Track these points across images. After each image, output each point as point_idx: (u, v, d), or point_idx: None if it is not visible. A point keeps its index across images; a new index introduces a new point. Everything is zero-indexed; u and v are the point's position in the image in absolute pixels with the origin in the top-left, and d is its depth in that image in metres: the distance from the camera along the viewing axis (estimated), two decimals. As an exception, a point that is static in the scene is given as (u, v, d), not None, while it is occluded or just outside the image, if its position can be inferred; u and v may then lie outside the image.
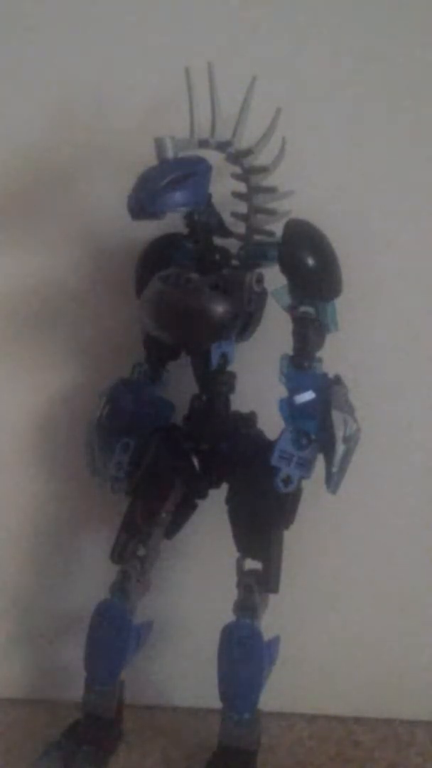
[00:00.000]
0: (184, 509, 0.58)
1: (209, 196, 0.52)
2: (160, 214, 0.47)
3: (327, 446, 0.51)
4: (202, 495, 0.58)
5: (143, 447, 0.57)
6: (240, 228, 0.54)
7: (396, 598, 0.65)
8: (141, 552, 0.58)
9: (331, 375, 0.53)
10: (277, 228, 0.53)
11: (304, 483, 0.53)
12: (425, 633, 0.66)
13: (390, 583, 0.65)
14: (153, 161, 0.49)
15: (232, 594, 0.56)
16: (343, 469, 0.52)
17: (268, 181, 0.52)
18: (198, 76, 0.49)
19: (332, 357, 0.54)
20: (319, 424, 0.52)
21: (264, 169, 0.51)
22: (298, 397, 0.53)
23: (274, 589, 0.55)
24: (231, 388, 0.56)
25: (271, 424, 0.54)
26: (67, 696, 0.66)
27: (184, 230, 0.54)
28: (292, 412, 0.53)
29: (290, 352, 0.53)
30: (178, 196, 0.47)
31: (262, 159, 0.51)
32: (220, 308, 0.50)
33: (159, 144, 0.48)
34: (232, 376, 0.56)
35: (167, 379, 0.60)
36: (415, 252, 0.60)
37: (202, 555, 0.65)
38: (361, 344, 0.60)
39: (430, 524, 0.64)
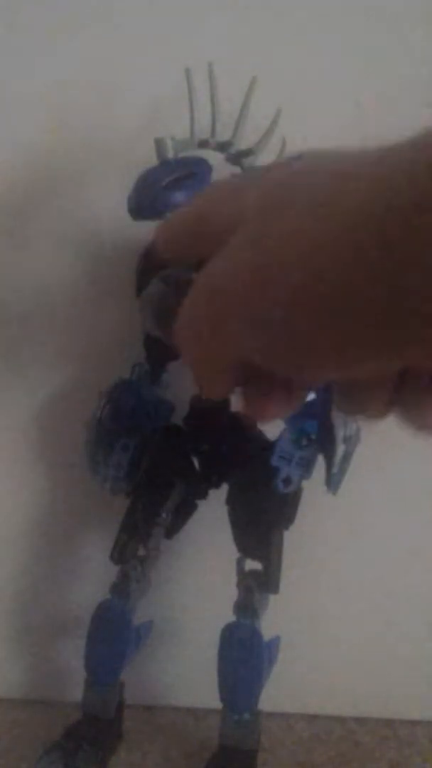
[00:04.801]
0: (184, 509, 0.59)
1: (209, 196, 0.52)
2: (161, 215, 0.47)
3: (327, 447, 0.51)
4: (202, 495, 0.58)
5: (143, 447, 0.57)
6: (240, 228, 0.54)
7: (396, 598, 0.66)
8: (141, 552, 0.58)
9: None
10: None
11: (304, 483, 0.53)
12: (425, 633, 0.66)
13: (390, 583, 0.65)
14: (153, 161, 0.49)
15: (232, 594, 0.56)
16: (343, 470, 0.52)
17: (269, 181, 0.52)
18: (198, 76, 0.49)
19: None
20: (319, 424, 0.52)
21: (264, 170, 0.51)
22: (298, 398, 0.53)
23: (274, 589, 0.55)
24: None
25: (272, 425, 0.54)
26: (67, 696, 0.66)
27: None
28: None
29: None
30: (179, 196, 0.47)
31: (262, 159, 0.51)
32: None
33: (159, 144, 0.48)
34: (233, 376, 0.56)
35: (167, 380, 0.60)
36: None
37: (202, 555, 0.65)
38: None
39: (430, 523, 0.64)
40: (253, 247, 0.20)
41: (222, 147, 0.50)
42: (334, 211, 0.17)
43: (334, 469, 0.51)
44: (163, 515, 0.57)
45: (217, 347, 0.22)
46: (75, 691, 0.59)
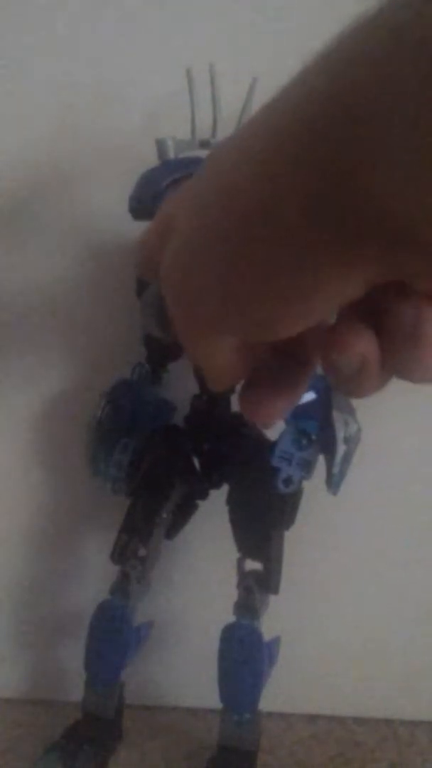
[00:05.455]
0: (185, 510, 0.59)
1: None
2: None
3: (327, 447, 0.51)
4: (203, 495, 0.58)
5: (144, 447, 0.57)
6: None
7: (396, 598, 0.66)
8: (141, 552, 0.58)
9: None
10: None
11: (305, 484, 0.53)
12: (425, 633, 0.66)
13: (390, 583, 0.65)
14: (154, 162, 0.49)
15: (232, 594, 0.56)
16: (343, 470, 0.52)
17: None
18: (199, 76, 0.49)
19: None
20: (319, 424, 0.52)
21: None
22: (298, 398, 0.53)
23: (275, 589, 0.55)
24: (232, 389, 0.56)
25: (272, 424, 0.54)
26: (67, 696, 0.66)
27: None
28: (292, 412, 0.53)
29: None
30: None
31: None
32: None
33: (160, 145, 0.48)
34: (233, 376, 0.56)
35: (168, 380, 0.60)
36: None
37: (203, 555, 0.65)
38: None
39: (430, 524, 0.64)
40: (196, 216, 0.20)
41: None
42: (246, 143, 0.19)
43: (335, 470, 0.51)
44: (164, 515, 0.57)
45: (202, 322, 0.22)
46: (75, 691, 0.59)
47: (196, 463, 0.57)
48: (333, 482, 0.51)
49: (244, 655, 0.54)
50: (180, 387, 0.59)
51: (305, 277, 0.18)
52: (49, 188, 0.61)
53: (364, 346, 0.20)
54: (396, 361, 0.21)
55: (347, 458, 0.52)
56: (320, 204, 0.17)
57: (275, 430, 0.53)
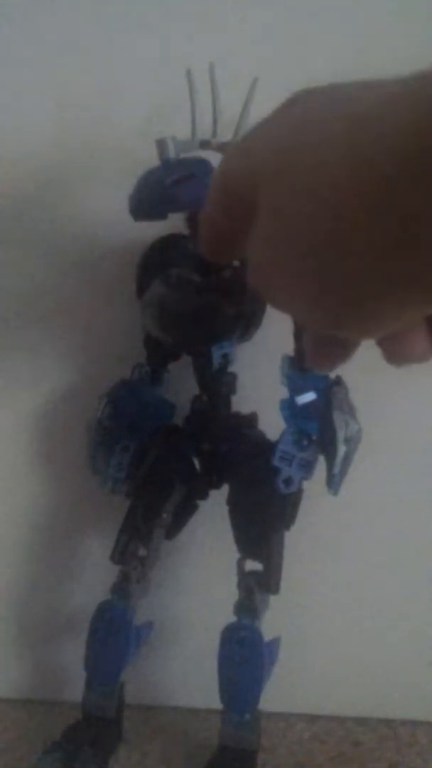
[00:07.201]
0: (185, 510, 0.58)
1: (210, 196, 0.52)
2: (162, 215, 0.47)
3: (328, 447, 0.51)
4: (203, 496, 0.58)
5: (144, 448, 0.57)
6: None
7: (396, 599, 0.66)
8: (141, 553, 0.58)
9: (332, 376, 0.54)
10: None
11: (305, 484, 0.53)
12: (425, 633, 0.66)
13: (390, 583, 0.65)
14: (155, 162, 0.49)
15: (232, 595, 0.56)
16: (344, 470, 0.52)
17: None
18: (199, 77, 0.49)
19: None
20: (320, 424, 0.52)
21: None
22: (299, 398, 0.53)
23: (275, 590, 0.55)
24: (232, 389, 0.56)
25: (272, 425, 0.54)
26: (67, 696, 0.66)
27: (186, 231, 0.54)
28: (293, 412, 0.53)
29: (291, 353, 0.53)
30: (180, 197, 0.47)
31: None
32: (221, 310, 0.50)
33: (160, 145, 0.48)
34: (233, 376, 0.56)
35: (168, 380, 0.60)
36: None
37: (203, 556, 0.65)
38: (361, 344, 0.60)
39: (430, 525, 0.64)
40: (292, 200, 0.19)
41: (223, 148, 0.50)
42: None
43: (335, 470, 0.51)
44: (164, 515, 0.57)
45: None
46: (75, 691, 0.59)
47: (196, 463, 0.57)
48: (333, 482, 0.51)
49: (244, 656, 0.54)
50: (180, 387, 0.59)
51: (375, 300, 0.19)
52: (49, 188, 0.61)
53: (421, 350, 0.23)
54: None
55: (348, 458, 0.52)
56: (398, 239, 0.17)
57: (275, 431, 0.53)
